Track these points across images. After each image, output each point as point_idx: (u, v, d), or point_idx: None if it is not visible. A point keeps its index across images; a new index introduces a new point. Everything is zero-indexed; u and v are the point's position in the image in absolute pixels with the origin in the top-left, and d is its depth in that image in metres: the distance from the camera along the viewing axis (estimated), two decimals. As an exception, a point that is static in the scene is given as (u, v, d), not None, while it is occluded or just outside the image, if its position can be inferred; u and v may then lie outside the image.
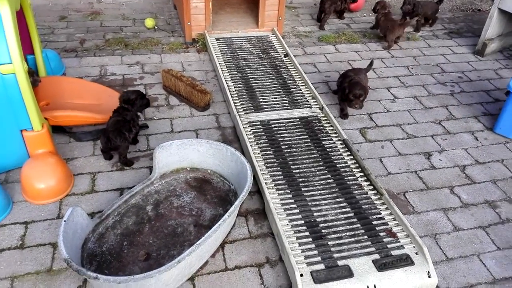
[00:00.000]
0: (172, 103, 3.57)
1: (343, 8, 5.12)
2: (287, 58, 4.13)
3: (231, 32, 4.46)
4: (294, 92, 3.64)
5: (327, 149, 3.05)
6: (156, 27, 4.77)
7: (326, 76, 4.10)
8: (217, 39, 4.34)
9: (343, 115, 3.54)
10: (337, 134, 3.19)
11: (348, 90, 3.40)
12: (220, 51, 4.15)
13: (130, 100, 2.91)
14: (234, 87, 3.64)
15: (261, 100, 3.51)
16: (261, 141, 3.08)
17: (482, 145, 3.39)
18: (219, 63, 3.93)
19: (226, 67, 3.91)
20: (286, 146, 3.04)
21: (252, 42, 4.36)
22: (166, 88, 3.68)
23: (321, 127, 3.26)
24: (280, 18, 4.52)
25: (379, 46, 4.71)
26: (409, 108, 3.75)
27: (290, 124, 3.27)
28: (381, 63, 4.38)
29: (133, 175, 2.83)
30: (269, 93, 3.61)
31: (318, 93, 3.61)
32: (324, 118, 3.36)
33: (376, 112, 3.67)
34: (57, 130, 3.07)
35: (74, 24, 4.69)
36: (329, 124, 3.30)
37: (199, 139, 2.73)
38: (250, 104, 3.45)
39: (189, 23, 4.30)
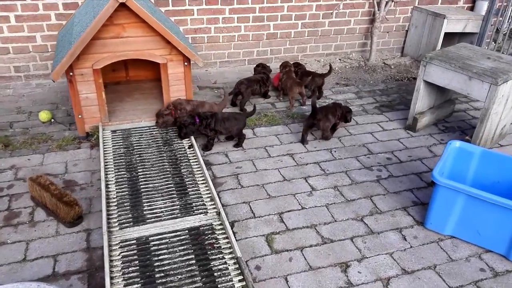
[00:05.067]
0: (38, 218, 2.92)
1: (264, 91, 4.72)
2: (191, 150, 3.60)
3: (133, 122, 3.95)
4: (190, 193, 3.07)
5: (214, 274, 2.41)
6: (52, 120, 4.22)
7: (238, 168, 3.56)
8: (114, 131, 3.81)
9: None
10: (232, 250, 2.57)
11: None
12: (113, 146, 3.60)
13: None
14: (116, 192, 3.04)
15: (146, 209, 2.90)
16: (130, 269, 2.43)
17: (410, 247, 2.83)
18: (106, 162, 3.36)
19: (114, 166, 3.33)
20: (162, 275, 2.40)
21: (155, 132, 3.85)
22: (33, 199, 3.04)
23: (213, 240, 2.65)
24: (188, 103, 4.06)
25: (300, 127, 4.26)
26: (328, 202, 3.21)
27: (175, 239, 2.65)
28: (302, 147, 3.91)
29: None
30: (159, 197, 3.02)
31: (221, 191, 3.04)
32: (219, 227, 2.76)
33: (289, 211, 3.11)
34: None
35: (-44, 122, 4.10)
36: (224, 235, 2.69)
37: (27, 282, 2.06)
38: (130, 215, 2.83)
39: (79, 116, 3.77)
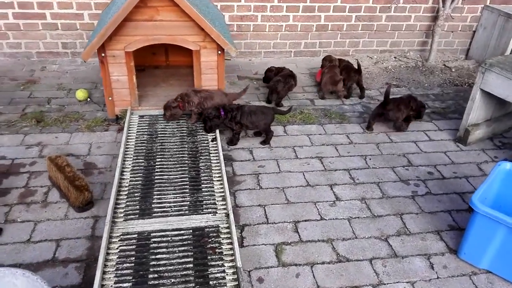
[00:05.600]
0: (51, 199, 2.92)
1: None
2: (214, 143, 3.45)
3: (162, 108, 3.85)
4: (203, 190, 2.92)
5: (210, 282, 2.25)
6: (88, 99, 4.25)
7: (260, 166, 3.36)
8: (141, 116, 3.75)
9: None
10: (233, 258, 2.40)
11: None
12: (137, 131, 3.53)
13: None
14: (130, 181, 2.96)
15: (155, 201, 2.79)
16: (124, 265, 2.33)
17: (437, 277, 2.50)
18: (127, 148, 3.30)
19: (134, 153, 3.26)
20: (155, 276, 2.27)
21: (182, 121, 3.73)
22: (50, 179, 3.05)
23: (216, 245, 2.48)
24: (220, 93, 3.90)
25: (338, 128, 3.96)
26: (351, 216, 2.92)
27: (176, 239, 2.52)
28: (333, 151, 3.62)
29: None
30: (171, 190, 2.90)
31: (238, 190, 2.87)
32: (225, 231, 2.59)
33: (306, 220, 2.86)
34: None
35: (0, 94, 4.24)
36: (228, 240, 2.52)
37: (14, 268, 2.01)
38: (137, 207, 2.74)
39: (110, 98, 3.74)
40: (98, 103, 4.18)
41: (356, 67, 4.45)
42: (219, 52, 3.66)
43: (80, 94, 4.23)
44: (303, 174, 3.31)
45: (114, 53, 3.55)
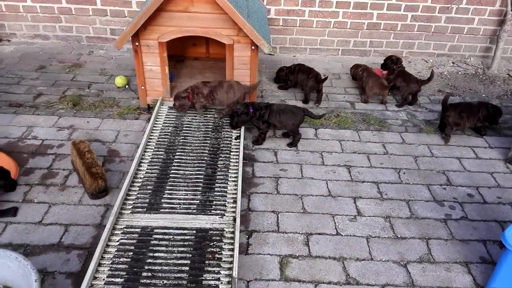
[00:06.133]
0: (69, 183, 2.97)
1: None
2: (237, 141, 3.34)
3: (193, 101, 3.80)
4: (215, 189, 2.83)
5: (201, 289, 2.16)
6: (127, 86, 4.31)
7: (282, 170, 3.21)
8: (171, 107, 3.72)
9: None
10: (231, 266, 2.28)
11: None
12: (164, 122, 3.51)
13: None
14: (145, 173, 2.94)
15: (166, 196, 2.75)
16: (121, 259, 2.30)
17: (456, 318, 2.23)
18: (150, 139, 3.28)
19: (156, 144, 3.24)
20: (149, 275, 2.22)
21: (210, 115, 3.66)
22: (72, 163, 3.10)
23: (217, 250, 2.38)
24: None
25: (374, 136, 3.70)
26: (371, 234, 2.70)
27: (178, 238, 2.45)
28: (365, 160, 3.37)
29: None
30: (183, 186, 2.83)
31: (254, 192, 2.76)
32: (229, 235, 2.48)
33: (320, 233, 2.68)
34: None
35: (46, 76, 4.42)
36: (230, 247, 2.40)
37: (9, 251, 2.04)
38: (147, 200, 2.71)
39: (142, 87, 3.75)
40: (135, 91, 4.22)
41: (415, 76, 4.17)
42: (253, 47, 3.53)
43: (119, 80, 4.29)
44: (326, 183, 3.11)
45: (148, 43, 3.53)
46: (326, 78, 4.08)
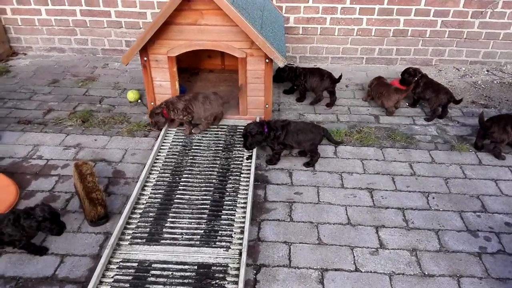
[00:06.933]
0: (70, 207, 2.81)
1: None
2: (248, 161, 3.11)
3: (204, 117, 3.60)
4: (222, 217, 2.60)
5: (200, 336, 1.93)
6: (139, 101, 4.16)
7: (296, 193, 2.95)
8: (181, 124, 3.53)
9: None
10: (234, 308, 2.05)
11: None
12: (172, 141, 3.33)
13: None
14: (149, 197, 2.75)
15: (167, 225, 2.54)
16: (114, 299, 2.10)
17: None
18: (156, 159, 3.10)
19: (162, 165, 3.05)
20: (142, 317, 2.01)
21: (221, 133, 3.45)
22: (74, 186, 2.95)
23: (220, 288, 2.15)
24: (267, 105, 3.55)
25: (400, 154, 3.39)
26: (394, 271, 2.40)
27: (177, 275, 2.24)
28: (390, 182, 3.07)
29: None
30: (187, 213, 2.63)
31: (265, 220, 2.52)
32: (234, 272, 2.24)
33: (337, 269, 2.40)
34: None
35: (59, 90, 4.33)
36: (234, 286, 2.17)
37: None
38: (148, 230, 2.51)
39: (152, 103, 3.58)
40: (147, 106, 4.06)
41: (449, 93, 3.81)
42: (267, 60, 3.30)
43: (131, 95, 4.15)
44: (346, 209, 2.83)
45: (157, 57, 3.37)
46: (340, 77, 3.93)
